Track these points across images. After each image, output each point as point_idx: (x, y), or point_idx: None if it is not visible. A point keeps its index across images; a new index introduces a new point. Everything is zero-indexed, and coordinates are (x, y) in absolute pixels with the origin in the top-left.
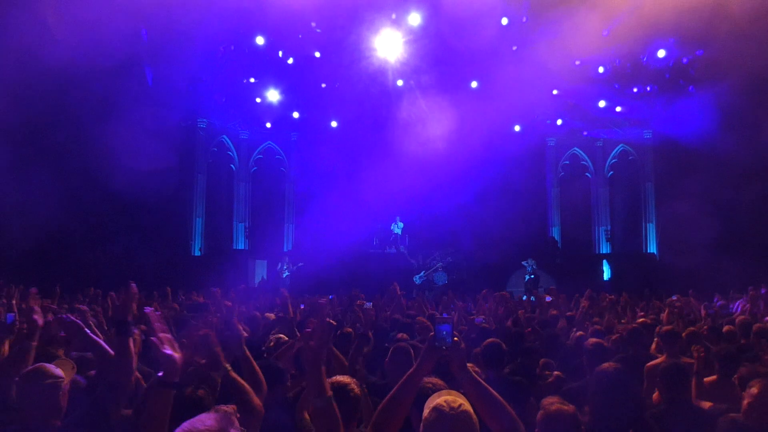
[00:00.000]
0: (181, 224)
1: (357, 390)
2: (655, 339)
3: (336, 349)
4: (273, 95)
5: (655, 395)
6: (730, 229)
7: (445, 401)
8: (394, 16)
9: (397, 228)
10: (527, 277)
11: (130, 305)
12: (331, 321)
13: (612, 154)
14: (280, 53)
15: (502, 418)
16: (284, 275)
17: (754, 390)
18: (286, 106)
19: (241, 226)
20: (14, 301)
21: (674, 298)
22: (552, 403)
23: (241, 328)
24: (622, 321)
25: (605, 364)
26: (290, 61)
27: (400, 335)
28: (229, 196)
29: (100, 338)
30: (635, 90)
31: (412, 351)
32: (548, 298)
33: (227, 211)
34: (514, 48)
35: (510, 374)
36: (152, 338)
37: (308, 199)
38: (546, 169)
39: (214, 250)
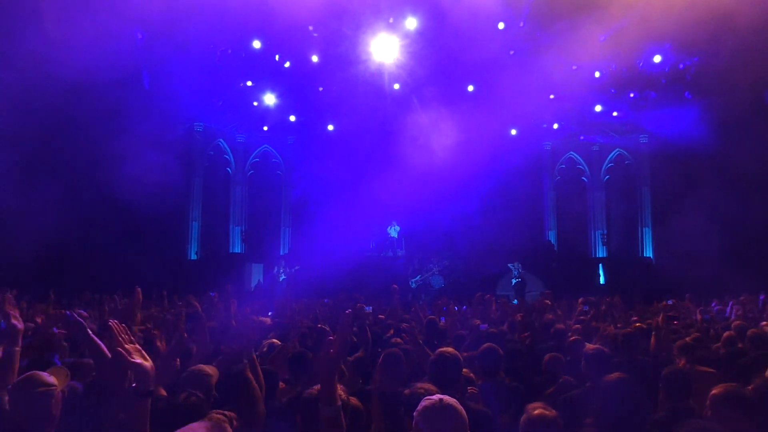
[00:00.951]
0: (178, 228)
1: (344, 396)
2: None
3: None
4: (270, 99)
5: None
6: (727, 235)
7: (431, 398)
8: (391, 20)
9: (394, 232)
10: (514, 280)
11: (134, 310)
12: (324, 326)
13: (608, 159)
14: (277, 57)
15: None
16: (281, 279)
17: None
18: (282, 109)
19: (237, 230)
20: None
21: (670, 302)
22: (535, 407)
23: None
24: (618, 325)
25: (612, 375)
26: (287, 64)
27: (395, 340)
28: (226, 200)
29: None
30: (631, 95)
31: (403, 356)
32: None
33: (224, 215)
34: (512, 52)
35: (508, 380)
36: (118, 349)
37: (305, 202)
38: (542, 173)
39: (210, 254)
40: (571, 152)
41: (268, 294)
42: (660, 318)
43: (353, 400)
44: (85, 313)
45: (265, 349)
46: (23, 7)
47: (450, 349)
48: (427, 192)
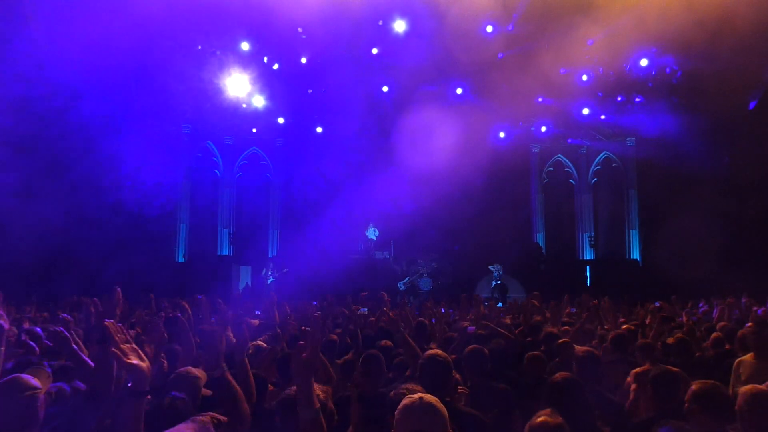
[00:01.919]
0: (166, 230)
1: (323, 396)
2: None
3: (324, 359)
4: (258, 101)
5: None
6: (714, 236)
7: (412, 396)
8: (380, 23)
9: (372, 234)
10: (493, 282)
11: (115, 311)
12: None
13: (595, 162)
14: (266, 59)
15: None
16: (269, 281)
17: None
18: (271, 112)
19: (225, 232)
20: None
21: (657, 304)
22: (540, 414)
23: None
24: (605, 327)
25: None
26: (275, 66)
27: (383, 342)
28: (214, 202)
29: (83, 350)
30: (619, 99)
31: (383, 358)
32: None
33: (212, 217)
34: (500, 56)
35: (495, 383)
36: (113, 349)
37: (293, 204)
38: (531, 175)
39: (198, 257)
40: (559, 155)
41: (256, 296)
42: (648, 319)
43: (330, 404)
44: (69, 317)
45: (250, 351)
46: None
47: (440, 351)
48: (414, 193)
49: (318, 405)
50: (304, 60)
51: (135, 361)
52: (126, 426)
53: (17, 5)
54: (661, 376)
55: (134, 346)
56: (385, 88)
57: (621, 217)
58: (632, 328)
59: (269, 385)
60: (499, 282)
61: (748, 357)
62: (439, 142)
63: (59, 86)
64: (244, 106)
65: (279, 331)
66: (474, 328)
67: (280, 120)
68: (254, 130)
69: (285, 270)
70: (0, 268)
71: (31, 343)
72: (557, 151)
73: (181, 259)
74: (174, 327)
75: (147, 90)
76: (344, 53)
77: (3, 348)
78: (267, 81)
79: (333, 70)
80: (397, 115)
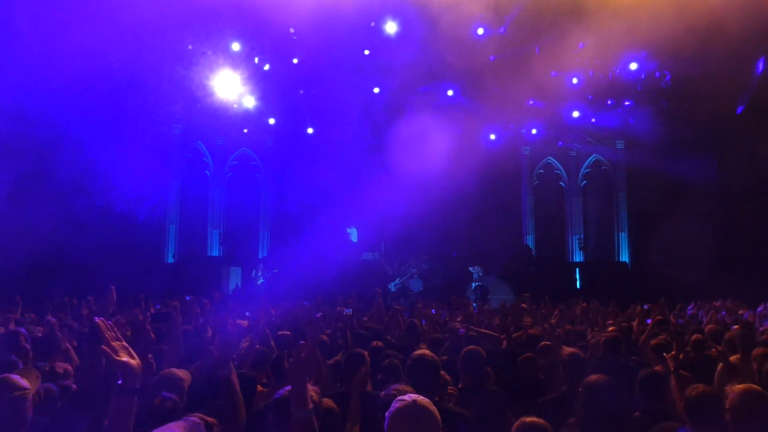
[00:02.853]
0: (155, 231)
1: (316, 397)
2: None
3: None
4: (249, 101)
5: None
6: (703, 239)
7: (404, 398)
8: (372, 24)
9: (352, 236)
10: (473, 284)
11: (108, 310)
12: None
13: (585, 164)
14: (257, 59)
15: None
16: (259, 282)
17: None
18: (262, 112)
19: (215, 233)
20: None
21: (645, 307)
22: (527, 418)
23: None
24: (595, 329)
25: (593, 377)
26: (266, 67)
27: (375, 343)
28: (204, 203)
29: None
30: (609, 102)
31: (368, 357)
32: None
33: (202, 218)
34: (491, 58)
35: (489, 385)
36: (103, 347)
37: (284, 205)
38: (521, 178)
39: (188, 258)
40: (549, 157)
41: (246, 298)
42: (635, 322)
43: (327, 401)
44: (54, 320)
45: (242, 352)
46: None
47: (427, 352)
48: (405, 194)
49: (312, 405)
50: (295, 61)
51: (125, 358)
52: (116, 424)
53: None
54: (647, 377)
55: (125, 344)
56: (376, 90)
57: (610, 220)
58: (619, 330)
59: (258, 386)
60: (479, 284)
61: (734, 358)
62: (430, 144)
63: (48, 88)
64: (235, 106)
65: (267, 331)
66: (465, 329)
67: (271, 121)
68: (245, 131)
69: (275, 271)
70: None
71: (25, 345)
72: (548, 154)
73: (170, 260)
74: (166, 323)
75: (137, 91)
76: (336, 54)
77: None
78: (258, 81)
79: (325, 71)
80: (388, 116)
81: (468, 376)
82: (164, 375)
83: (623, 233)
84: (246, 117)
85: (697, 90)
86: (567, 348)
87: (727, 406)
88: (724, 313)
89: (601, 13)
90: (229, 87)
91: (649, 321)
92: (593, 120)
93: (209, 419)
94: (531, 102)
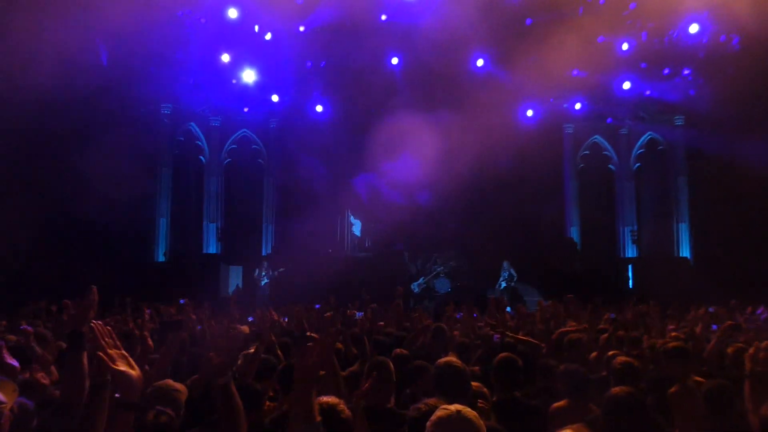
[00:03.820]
0: (143, 225)
1: (347, 412)
2: None
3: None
4: (249, 76)
5: None
6: None
7: (447, 407)
8: None
9: (355, 228)
10: (503, 283)
11: (88, 314)
12: (314, 334)
13: (638, 144)
14: (257, 27)
15: None
16: (262, 282)
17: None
18: (264, 88)
19: (212, 227)
20: None
21: (711, 309)
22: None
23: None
24: (652, 335)
25: (616, 389)
26: (268, 36)
27: (398, 351)
28: (199, 193)
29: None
30: (665, 71)
31: (391, 366)
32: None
33: (196, 210)
34: (528, 22)
35: (524, 397)
36: (99, 354)
37: (290, 195)
38: (563, 160)
39: (180, 255)
40: (596, 136)
41: (248, 300)
42: (698, 328)
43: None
44: (29, 329)
45: (239, 362)
46: None
47: (454, 359)
48: (429, 183)
49: (319, 419)
50: (302, 29)
51: (123, 368)
52: None
53: None
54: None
55: (123, 352)
56: (395, 60)
57: (668, 209)
58: (682, 336)
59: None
60: (511, 284)
61: None
62: (457, 123)
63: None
64: (233, 82)
65: (273, 339)
66: (499, 336)
67: (275, 98)
68: (245, 110)
69: (281, 269)
70: None
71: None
72: (594, 132)
73: (161, 259)
74: (173, 331)
75: (120, 65)
76: (349, 20)
77: None
78: (259, 53)
79: (336, 40)
80: (408, 91)
81: (502, 388)
82: (159, 387)
83: (683, 224)
84: (245, 94)
85: None
86: (620, 357)
87: None
88: None
89: None
90: (226, 60)
91: (715, 327)
92: (647, 92)
93: None
94: (574, 72)
